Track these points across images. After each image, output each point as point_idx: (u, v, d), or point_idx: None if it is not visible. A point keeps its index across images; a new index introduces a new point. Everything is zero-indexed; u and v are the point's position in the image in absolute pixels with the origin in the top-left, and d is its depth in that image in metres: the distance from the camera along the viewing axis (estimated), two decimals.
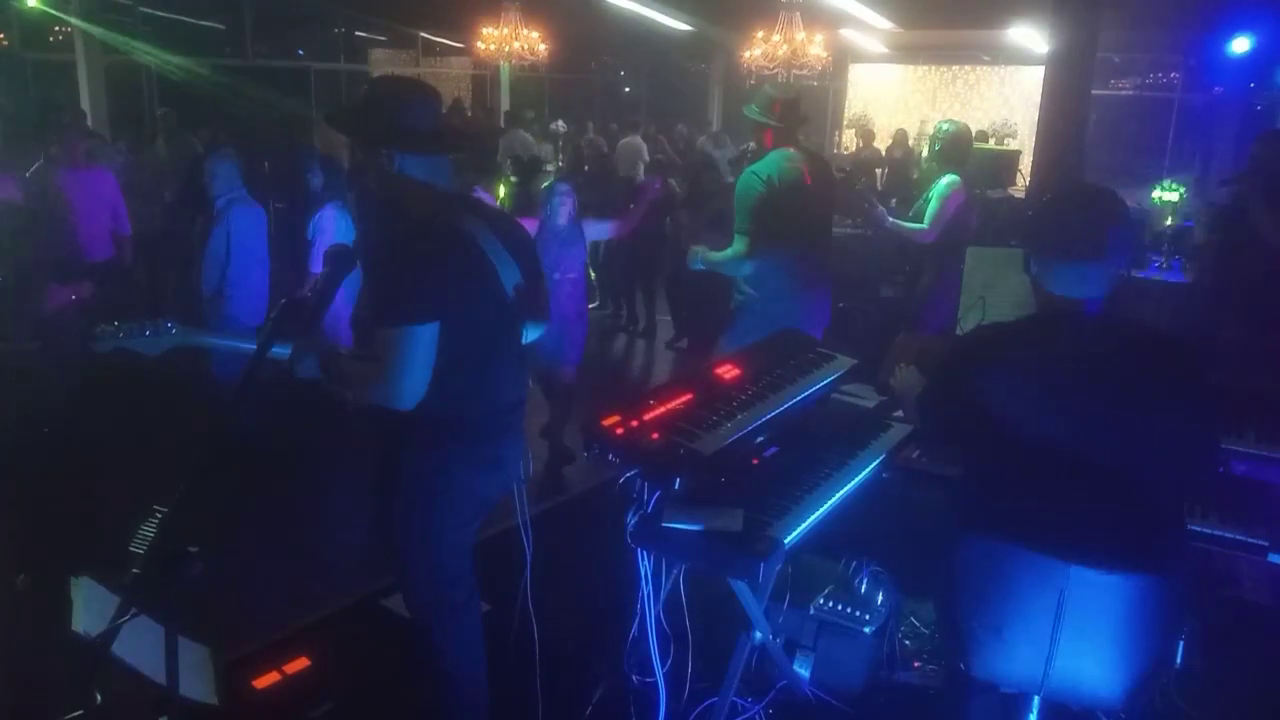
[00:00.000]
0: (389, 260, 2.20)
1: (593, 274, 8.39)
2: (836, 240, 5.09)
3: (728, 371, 2.69)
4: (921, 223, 4.96)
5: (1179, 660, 2.57)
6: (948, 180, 4.94)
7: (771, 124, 3.89)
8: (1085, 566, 1.93)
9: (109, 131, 9.55)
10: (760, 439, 2.52)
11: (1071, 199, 2.16)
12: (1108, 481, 1.99)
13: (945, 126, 5.11)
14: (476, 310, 2.27)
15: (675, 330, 7.71)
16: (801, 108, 3.98)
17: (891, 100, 16.00)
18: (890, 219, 5.06)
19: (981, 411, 2.08)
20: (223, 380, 4.65)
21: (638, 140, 11.62)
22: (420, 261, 2.19)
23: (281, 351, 2.18)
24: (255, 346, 2.08)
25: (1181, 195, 7.11)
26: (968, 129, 5.24)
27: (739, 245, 3.86)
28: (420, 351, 2.15)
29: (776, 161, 3.84)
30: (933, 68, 15.78)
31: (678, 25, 13.55)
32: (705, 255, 4.05)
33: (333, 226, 5.42)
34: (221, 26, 13.29)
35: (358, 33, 15.34)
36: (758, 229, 3.81)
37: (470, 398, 2.31)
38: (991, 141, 12.99)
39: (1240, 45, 9.38)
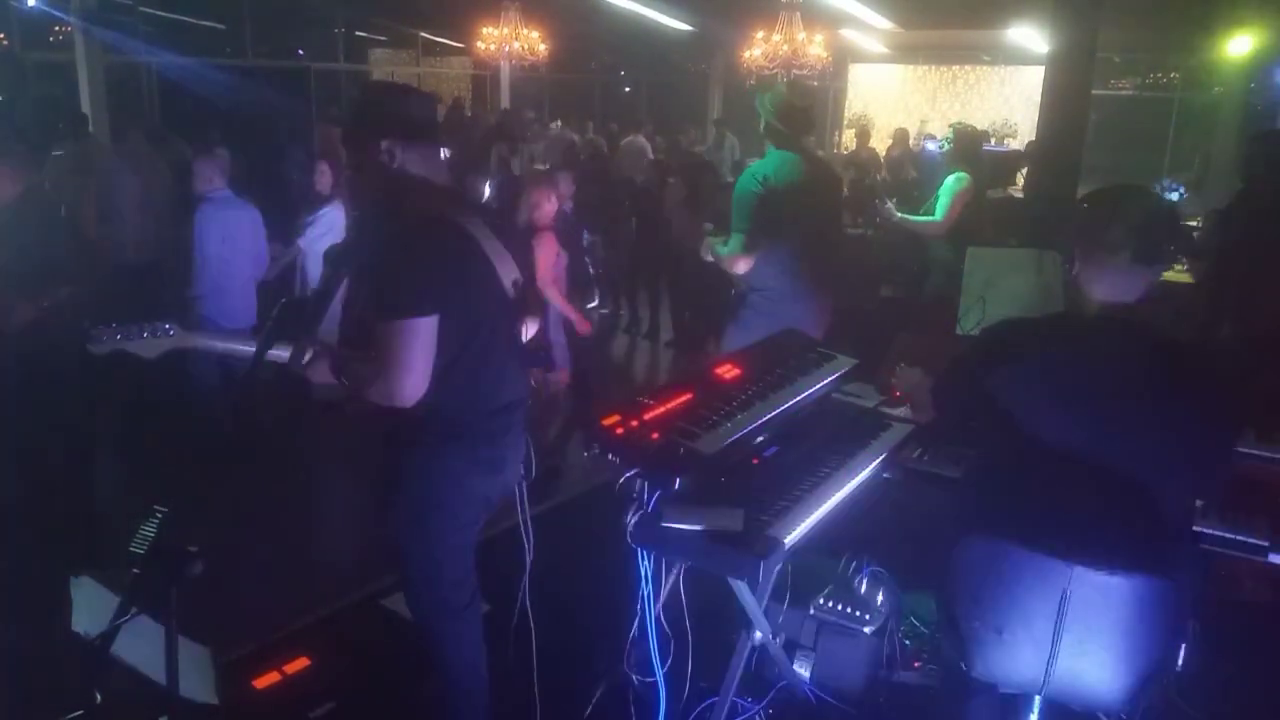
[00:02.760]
0: (388, 256, 2.20)
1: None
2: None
3: (728, 371, 2.68)
4: (933, 216, 5.02)
5: (1180, 662, 2.57)
6: (956, 177, 4.98)
7: (773, 125, 3.90)
8: (1088, 567, 1.93)
9: (109, 132, 9.55)
10: (760, 439, 2.52)
11: (1121, 201, 2.10)
12: (1117, 484, 1.98)
13: (957, 126, 5.20)
14: (476, 306, 2.28)
15: (675, 330, 7.71)
16: (808, 116, 3.99)
17: (891, 100, 16.03)
18: (899, 214, 5.10)
19: (997, 406, 2.07)
20: (198, 381, 4.61)
21: (640, 140, 11.59)
22: (419, 256, 2.19)
23: (278, 354, 2.18)
24: (254, 349, 2.09)
25: (1181, 195, 7.13)
26: (977, 130, 5.32)
27: (734, 243, 3.88)
28: (421, 345, 2.15)
29: (775, 162, 3.85)
30: (933, 68, 15.81)
31: (678, 25, 13.55)
32: (714, 247, 4.06)
33: (338, 225, 5.42)
34: (221, 26, 13.29)
35: (358, 33, 15.35)
36: (753, 228, 3.81)
37: (471, 396, 2.31)
38: (993, 141, 13.00)
39: (1240, 45, 9.38)
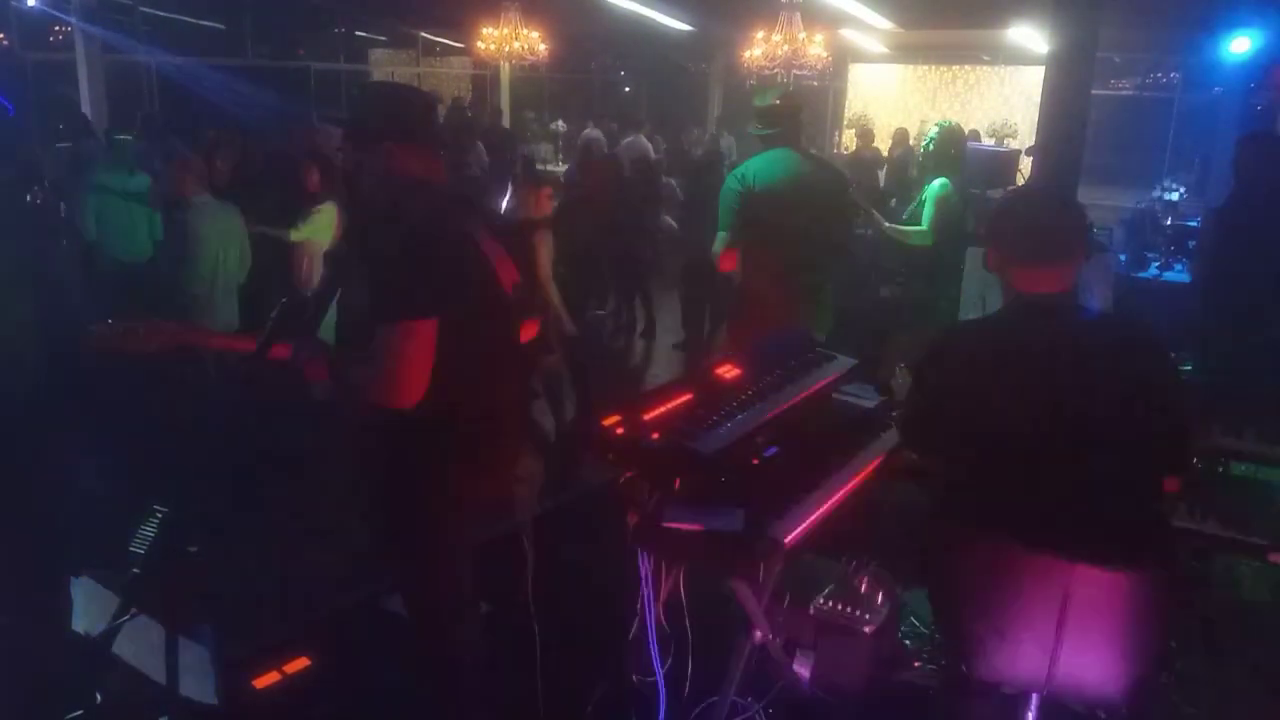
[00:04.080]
0: (387, 258, 2.20)
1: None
2: None
3: (728, 371, 2.69)
4: (919, 225, 4.98)
5: (1178, 660, 2.58)
6: (939, 182, 4.95)
7: (761, 134, 3.98)
8: (1089, 565, 1.93)
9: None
10: (760, 439, 2.52)
11: (1029, 202, 2.29)
12: (1103, 473, 2.01)
13: (936, 128, 5.15)
14: (475, 308, 2.27)
15: (684, 330, 7.67)
16: (780, 110, 3.96)
17: (891, 100, 16.01)
18: (887, 224, 5.08)
19: (961, 412, 2.12)
20: (198, 381, 4.60)
21: (642, 140, 11.56)
22: (418, 258, 2.18)
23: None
24: (252, 345, 2.09)
25: (1181, 195, 7.13)
26: (959, 129, 5.25)
27: (717, 242, 3.96)
28: (418, 347, 2.15)
29: (759, 163, 3.89)
30: (933, 68, 15.78)
31: (678, 25, 13.55)
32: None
33: (332, 224, 5.42)
34: (221, 26, 13.30)
35: (358, 33, 15.37)
36: (733, 227, 3.89)
37: (469, 397, 2.31)
38: (991, 141, 12.99)
39: (1239, 45, 9.36)
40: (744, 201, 3.83)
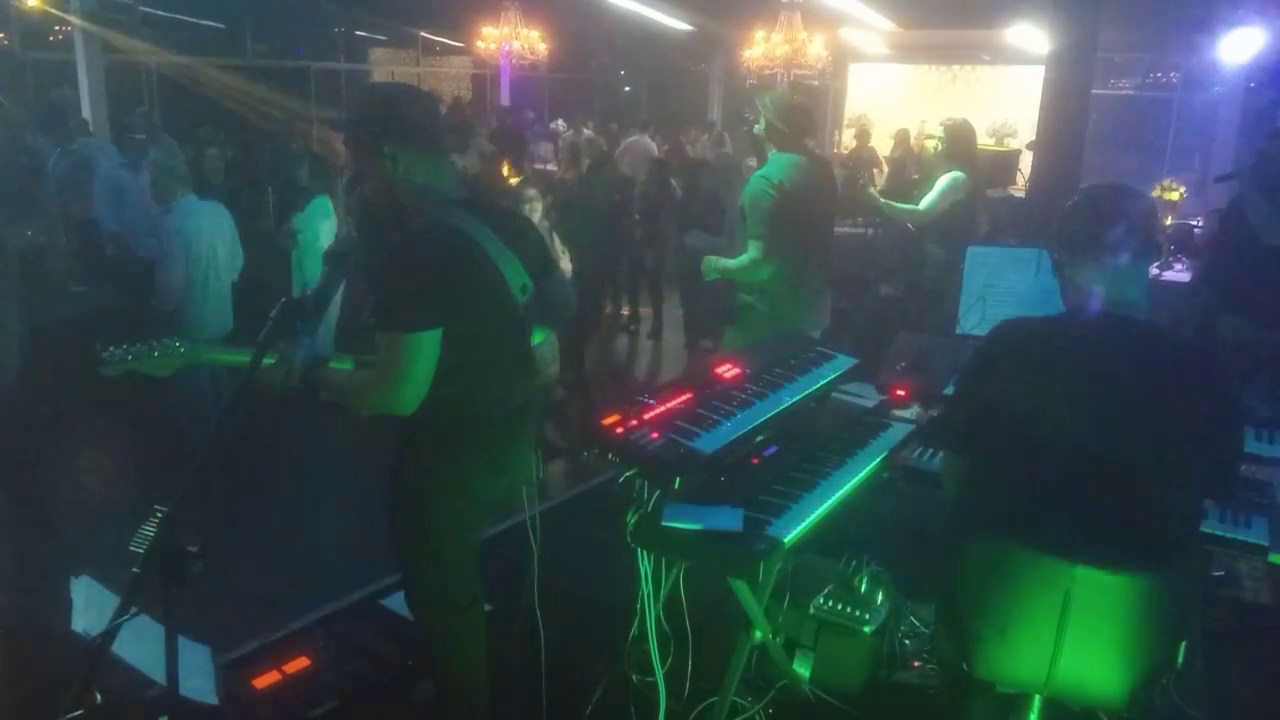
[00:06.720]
0: (390, 267, 2.19)
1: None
2: (836, 240, 5.10)
3: (727, 371, 2.69)
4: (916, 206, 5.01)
5: (1181, 659, 2.57)
6: (951, 175, 4.96)
7: (775, 125, 3.87)
8: (1091, 567, 1.92)
9: (109, 131, 9.55)
10: (760, 438, 2.52)
11: (1105, 201, 2.10)
12: (1122, 484, 1.98)
13: (946, 123, 5.14)
14: (481, 314, 2.26)
15: (688, 330, 7.66)
16: (810, 116, 3.97)
17: (891, 100, 15.98)
18: (883, 200, 5.10)
19: (999, 407, 2.07)
20: (199, 382, 4.58)
21: (646, 140, 11.53)
22: (422, 268, 2.17)
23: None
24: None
25: (1181, 194, 7.12)
26: (969, 124, 5.25)
27: (753, 251, 3.79)
28: (422, 358, 2.14)
29: (784, 166, 3.80)
30: (933, 68, 15.76)
31: (678, 25, 13.55)
32: (718, 264, 3.97)
33: (321, 224, 5.41)
34: (221, 26, 13.31)
35: (358, 32, 15.37)
36: (771, 234, 3.74)
37: (477, 401, 2.31)
38: (991, 141, 12.99)
39: (1239, 45, 9.37)
40: (778, 206, 3.73)
